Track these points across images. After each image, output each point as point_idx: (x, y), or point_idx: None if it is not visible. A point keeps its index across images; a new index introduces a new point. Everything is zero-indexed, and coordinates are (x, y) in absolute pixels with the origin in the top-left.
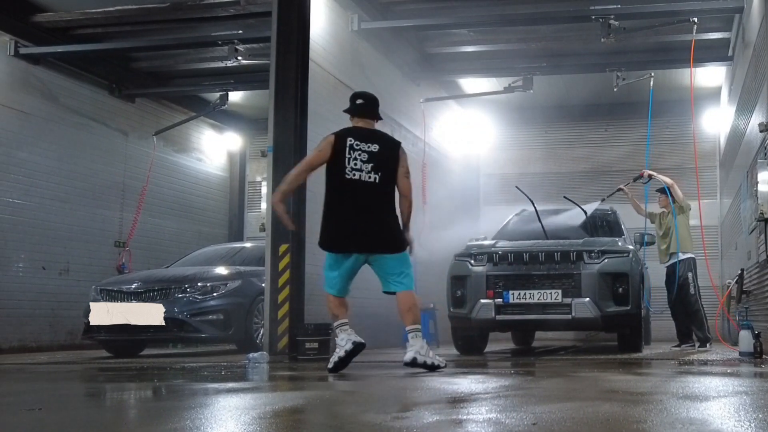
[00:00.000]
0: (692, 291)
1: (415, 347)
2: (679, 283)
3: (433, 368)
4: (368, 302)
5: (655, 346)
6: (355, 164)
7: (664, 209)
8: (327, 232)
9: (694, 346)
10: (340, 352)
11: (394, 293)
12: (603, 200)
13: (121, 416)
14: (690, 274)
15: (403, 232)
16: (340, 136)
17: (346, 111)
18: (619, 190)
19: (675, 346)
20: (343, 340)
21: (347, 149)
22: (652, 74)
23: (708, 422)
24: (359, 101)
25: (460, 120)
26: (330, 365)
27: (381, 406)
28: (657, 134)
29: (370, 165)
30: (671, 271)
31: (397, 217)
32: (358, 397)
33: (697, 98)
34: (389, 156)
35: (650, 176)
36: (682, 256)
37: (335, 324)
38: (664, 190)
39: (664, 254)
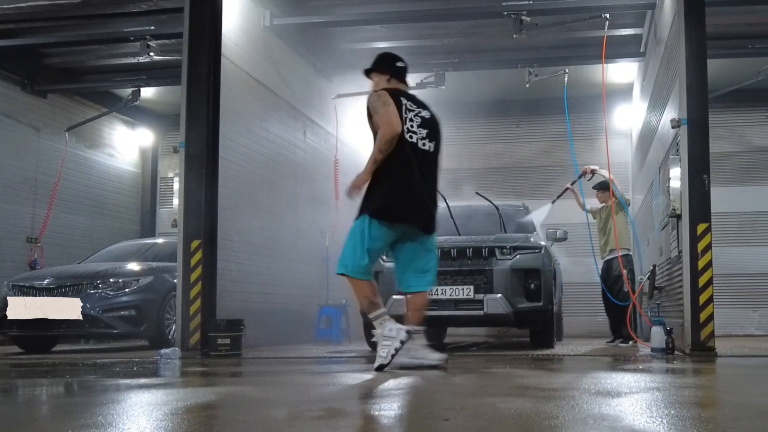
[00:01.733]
0: (626, 288)
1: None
2: (613, 279)
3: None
4: (279, 297)
5: (567, 342)
6: (411, 126)
7: (603, 204)
8: (386, 197)
9: (626, 342)
10: (395, 344)
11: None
12: (553, 202)
13: (33, 412)
14: (625, 271)
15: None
16: (393, 93)
17: (377, 71)
18: (567, 189)
19: (609, 342)
20: (394, 330)
21: (403, 109)
22: (566, 70)
23: (620, 418)
24: (399, 64)
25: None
26: (384, 362)
27: (293, 401)
28: (573, 129)
29: (425, 131)
30: (608, 267)
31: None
32: (270, 393)
33: (609, 94)
34: (440, 127)
35: (593, 172)
36: (619, 253)
37: (376, 314)
38: (603, 186)
39: (602, 249)
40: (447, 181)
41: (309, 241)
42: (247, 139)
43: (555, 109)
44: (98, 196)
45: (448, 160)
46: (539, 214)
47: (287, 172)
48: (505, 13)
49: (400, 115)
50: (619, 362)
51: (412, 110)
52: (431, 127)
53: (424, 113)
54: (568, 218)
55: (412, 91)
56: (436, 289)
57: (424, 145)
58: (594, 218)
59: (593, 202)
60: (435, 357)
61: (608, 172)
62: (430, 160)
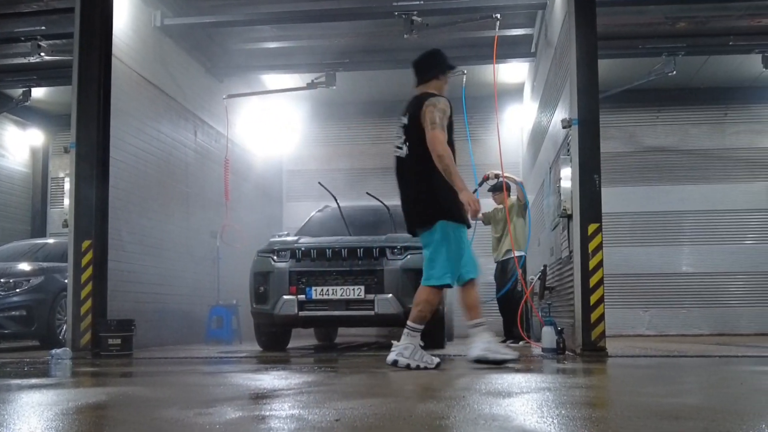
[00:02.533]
0: (519, 288)
1: (403, 347)
2: (508, 280)
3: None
4: (170, 298)
5: (458, 343)
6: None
7: (499, 206)
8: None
9: (517, 342)
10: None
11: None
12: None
13: None
14: (519, 272)
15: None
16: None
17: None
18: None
19: (500, 341)
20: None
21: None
22: (465, 71)
23: (511, 418)
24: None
25: (263, 116)
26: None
27: (184, 402)
28: (462, 130)
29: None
30: (502, 267)
31: (430, 188)
32: (161, 393)
33: (501, 94)
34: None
35: (497, 176)
36: (516, 254)
37: (477, 322)
38: (499, 188)
39: (497, 251)
40: (338, 182)
41: (200, 242)
42: (138, 139)
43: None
44: None
45: (338, 160)
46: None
47: (178, 173)
48: (396, 13)
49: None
50: (510, 362)
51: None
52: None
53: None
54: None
55: (305, 92)
56: (327, 289)
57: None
58: (486, 223)
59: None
60: (509, 353)
61: (509, 177)
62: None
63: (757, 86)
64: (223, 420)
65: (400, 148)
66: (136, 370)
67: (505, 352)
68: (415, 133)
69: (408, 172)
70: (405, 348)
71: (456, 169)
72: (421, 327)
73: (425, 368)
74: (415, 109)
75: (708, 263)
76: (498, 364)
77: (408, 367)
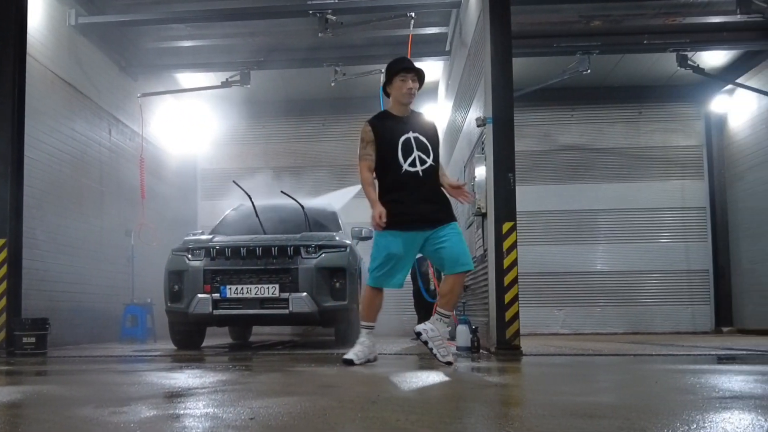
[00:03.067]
0: (432, 287)
1: (431, 327)
2: (420, 278)
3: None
4: (85, 296)
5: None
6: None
7: None
8: None
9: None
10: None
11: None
12: None
13: None
14: (431, 270)
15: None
16: None
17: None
18: None
19: (413, 339)
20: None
21: None
22: (382, 70)
23: (426, 417)
24: None
25: (178, 115)
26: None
27: (99, 400)
28: None
29: None
30: (417, 265)
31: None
32: (76, 392)
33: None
34: None
35: None
36: None
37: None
38: None
39: None
40: (252, 180)
41: (115, 240)
42: (53, 138)
43: (360, 108)
44: None
45: (253, 159)
46: (342, 196)
47: (93, 171)
48: (310, 12)
49: None
50: (426, 361)
51: None
52: None
53: None
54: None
55: (219, 90)
56: (241, 288)
57: None
58: None
59: None
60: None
61: None
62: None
63: (671, 85)
64: (137, 418)
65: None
66: (50, 369)
67: (445, 354)
68: None
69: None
70: (432, 330)
71: (369, 191)
72: (450, 313)
73: (435, 356)
74: None
75: (622, 262)
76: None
77: (426, 344)
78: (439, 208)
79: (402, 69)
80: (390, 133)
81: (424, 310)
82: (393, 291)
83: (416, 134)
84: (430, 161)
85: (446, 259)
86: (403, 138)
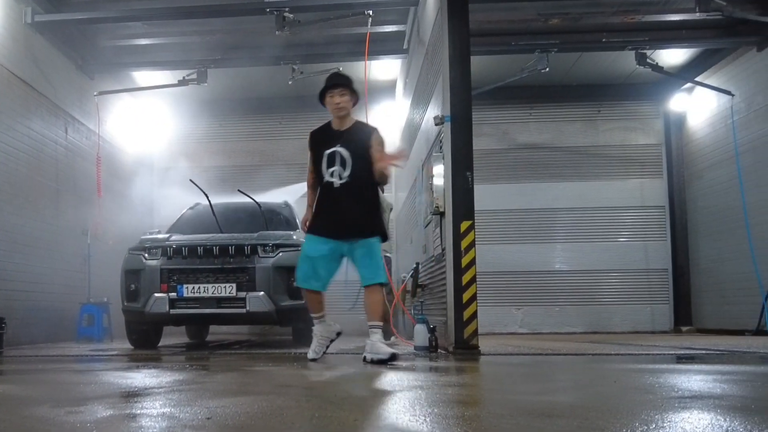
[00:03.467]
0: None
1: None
2: None
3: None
4: (41, 295)
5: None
6: None
7: None
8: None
9: (388, 339)
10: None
11: None
12: None
13: None
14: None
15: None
16: None
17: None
18: None
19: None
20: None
21: None
22: (341, 69)
23: (383, 417)
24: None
25: (135, 113)
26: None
27: (55, 400)
28: None
29: None
30: None
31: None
32: (31, 392)
33: (373, 91)
34: None
35: None
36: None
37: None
38: None
39: None
40: (209, 179)
41: (71, 239)
42: (8, 136)
43: (318, 107)
44: None
45: (210, 158)
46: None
47: (49, 170)
48: (268, 10)
49: None
50: (384, 360)
51: None
52: None
53: None
54: None
55: (177, 89)
56: (198, 287)
57: None
58: None
59: None
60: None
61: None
62: None
63: (630, 83)
64: (93, 418)
65: None
66: (6, 369)
67: (385, 349)
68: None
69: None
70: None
71: (308, 194)
72: (378, 324)
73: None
74: None
75: (581, 261)
76: (385, 362)
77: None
78: (355, 222)
79: (328, 87)
80: (320, 145)
81: None
82: (347, 289)
83: (342, 148)
84: (346, 176)
85: (359, 273)
86: (329, 151)
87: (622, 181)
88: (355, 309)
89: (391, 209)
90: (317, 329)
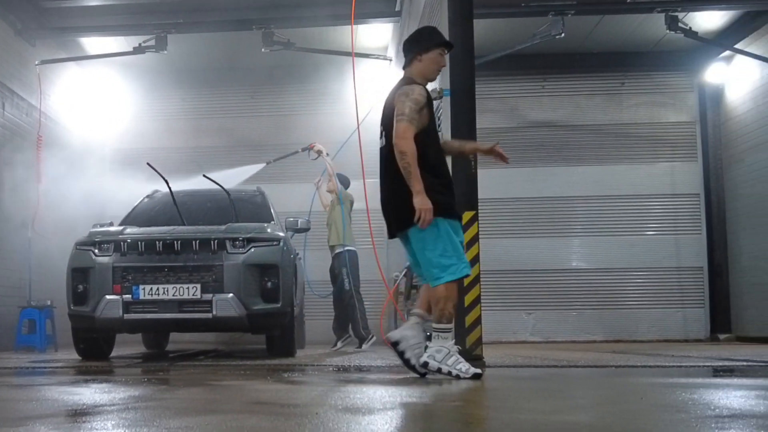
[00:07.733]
0: (347, 286)
1: (435, 350)
2: (335, 277)
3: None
4: None
5: (311, 350)
6: None
7: (330, 193)
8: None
9: (347, 341)
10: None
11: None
12: (268, 163)
13: None
14: (344, 269)
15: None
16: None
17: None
18: (295, 153)
19: (332, 348)
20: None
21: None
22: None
23: None
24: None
25: (84, 86)
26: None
27: None
28: (315, 101)
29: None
30: (335, 262)
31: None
32: None
33: (361, 60)
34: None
35: (319, 153)
36: (339, 249)
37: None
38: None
39: (329, 244)
40: (170, 162)
41: (8, 233)
42: None
43: (294, 79)
44: None
45: (170, 137)
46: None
47: None
48: None
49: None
50: (371, 373)
51: None
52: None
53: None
54: (311, 206)
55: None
56: (157, 288)
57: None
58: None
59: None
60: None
61: (329, 165)
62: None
63: (659, 51)
64: None
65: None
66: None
67: (459, 368)
68: (390, 123)
69: (387, 166)
70: (437, 351)
71: (417, 171)
72: (449, 326)
73: (457, 376)
74: (390, 96)
75: (602, 258)
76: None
77: (440, 371)
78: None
79: (445, 44)
80: (431, 109)
81: (341, 311)
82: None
83: None
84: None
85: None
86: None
87: (649, 165)
88: (332, 314)
89: (352, 204)
90: (451, 344)
